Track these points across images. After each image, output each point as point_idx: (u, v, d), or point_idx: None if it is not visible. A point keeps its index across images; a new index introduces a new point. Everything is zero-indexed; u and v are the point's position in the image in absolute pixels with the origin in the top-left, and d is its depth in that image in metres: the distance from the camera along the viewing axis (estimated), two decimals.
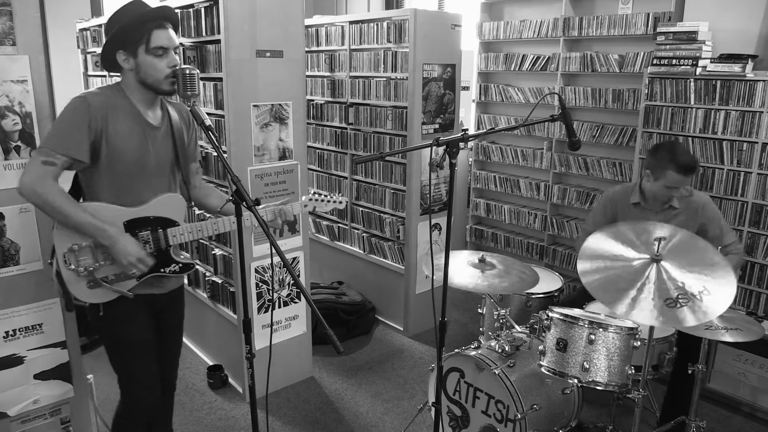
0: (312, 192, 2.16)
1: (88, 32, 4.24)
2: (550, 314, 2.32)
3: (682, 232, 2.12)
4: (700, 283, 1.93)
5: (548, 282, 3.01)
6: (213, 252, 3.15)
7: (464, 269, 2.54)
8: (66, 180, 1.85)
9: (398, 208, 3.81)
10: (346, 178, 4.17)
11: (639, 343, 2.20)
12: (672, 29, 3.31)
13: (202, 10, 2.80)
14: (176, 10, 1.92)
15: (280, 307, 3.14)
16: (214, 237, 3.13)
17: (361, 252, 4.17)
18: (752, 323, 2.31)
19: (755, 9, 3.21)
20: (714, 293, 1.90)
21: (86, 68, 4.50)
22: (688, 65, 3.25)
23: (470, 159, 4.98)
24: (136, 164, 1.86)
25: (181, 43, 1.95)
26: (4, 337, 2.09)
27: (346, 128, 4.08)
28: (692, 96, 3.26)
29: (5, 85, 1.96)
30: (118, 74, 1.90)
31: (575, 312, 2.38)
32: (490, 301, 2.87)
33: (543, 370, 2.33)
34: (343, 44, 4.01)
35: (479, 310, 2.97)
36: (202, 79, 2.88)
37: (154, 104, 1.94)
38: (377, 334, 3.94)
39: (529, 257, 4.61)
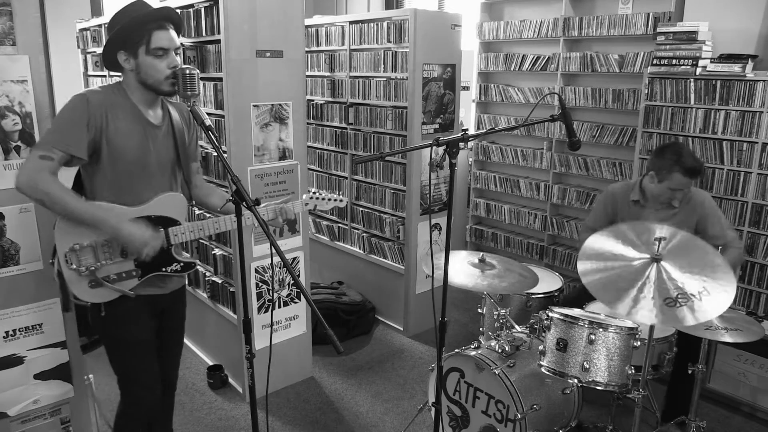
0: (312, 191, 2.16)
1: (88, 32, 4.24)
2: (550, 314, 2.32)
3: (682, 233, 2.12)
4: (699, 284, 1.93)
5: (548, 282, 3.01)
6: (213, 252, 3.15)
7: (464, 269, 2.54)
8: (67, 180, 1.85)
9: (398, 208, 3.81)
10: (346, 178, 4.17)
11: (639, 343, 2.20)
12: (672, 29, 3.31)
13: (202, 10, 2.80)
14: (176, 10, 1.92)
15: (280, 307, 3.14)
16: (214, 236, 3.13)
17: (361, 252, 4.17)
18: (752, 323, 2.31)
19: (755, 9, 3.21)
20: (714, 293, 1.90)
21: (86, 68, 4.50)
22: (688, 65, 3.25)
23: (470, 159, 4.98)
24: (137, 163, 1.87)
25: (181, 43, 1.94)
26: (4, 337, 2.09)
27: (346, 128, 4.08)
28: (692, 96, 3.26)
29: (5, 85, 1.96)
30: (119, 74, 1.90)
31: (575, 312, 2.39)
32: (490, 301, 2.87)
33: (543, 370, 2.33)
34: (343, 44, 4.01)
35: (479, 310, 2.97)
36: (202, 79, 2.88)
37: (155, 104, 1.94)
38: (377, 334, 3.94)
39: (529, 257, 4.61)
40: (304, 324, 3.26)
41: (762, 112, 3.02)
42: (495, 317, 2.75)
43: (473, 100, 4.92)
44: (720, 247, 2.40)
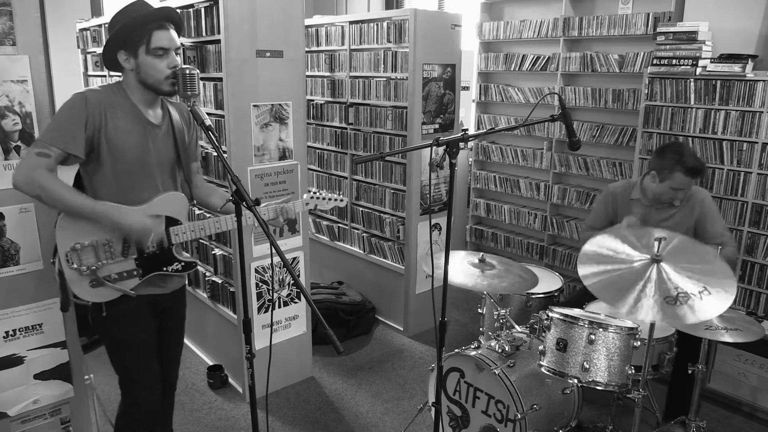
0: (312, 191, 2.16)
1: (88, 32, 4.24)
2: (550, 314, 2.32)
3: (680, 237, 2.13)
4: (700, 283, 1.94)
5: (548, 282, 3.01)
6: (213, 252, 3.15)
7: (464, 269, 2.54)
8: (67, 181, 1.85)
9: (398, 208, 3.81)
10: (346, 178, 4.17)
11: (639, 343, 2.20)
12: (672, 29, 3.31)
13: (202, 10, 2.80)
14: (177, 10, 1.92)
15: (280, 307, 3.14)
16: (214, 236, 3.13)
17: (361, 252, 4.17)
18: (752, 323, 2.31)
19: (755, 9, 3.21)
20: (714, 293, 1.90)
21: (86, 68, 4.50)
22: (688, 65, 3.25)
23: (470, 159, 4.98)
24: (137, 162, 1.87)
25: (181, 43, 1.94)
26: (4, 337, 2.09)
27: (346, 128, 4.08)
28: (692, 96, 3.26)
29: (5, 85, 1.96)
30: (119, 74, 1.91)
31: (575, 312, 2.38)
32: (490, 301, 2.87)
33: (543, 370, 2.33)
34: (343, 44, 4.01)
35: (479, 310, 2.97)
36: (202, 79, 2.88)
37: (155, 103, 1.94)
38: (377, 334, 3.94)
39: (529, 257, 4.60)
40: (304, 324, 3.26)
41: (762, 112, 3.02)
42: (495, 317, 2.75)
43: (473, 100, 4.92)
44: (720, 248, 2.41)
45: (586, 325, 2.22)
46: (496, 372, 2.34)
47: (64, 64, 4.61)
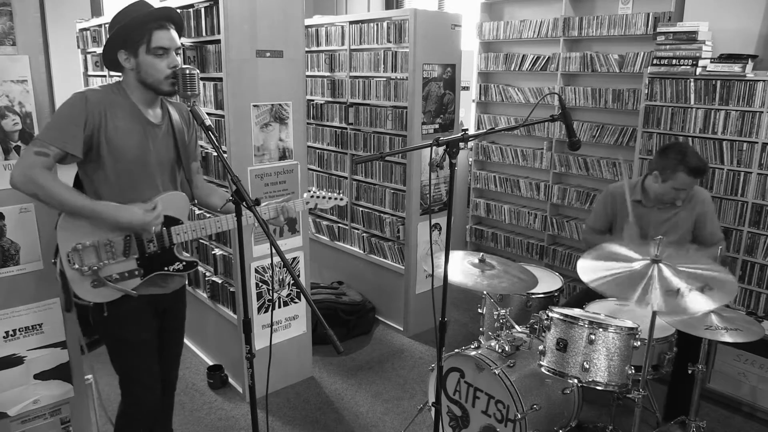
0: (312, 190, 2.16)
1: (88, 32, 4.23)
2: (550, 314, 2.32)
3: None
4: (701, 279, 1.96)
5: (548, 282, 3.01)
6: (213, 252, 3.15)
7: (464, 269, 2.54)
8: (67, 181, 1.85)
9: (398, 208, 3.81)
10: (346, 178, 4.17)
11: (639, 343, 2.20)
12: (672, 29, 3.32)
13: (202, 10, 2.80)
14: (177, 10, 1.92)
15: (280, 307, 3.14)
16: (214, 236, 3.13)
17: (361, 252, 4.17)
18: (752, 323, 2.31)
19: (755, 9, 3.22)
20: (716, 287, 1.93)
21: (86, 68, 4.50)
22: (688, 65, 3.25)
23: (470, 159, 4.98)
24: (137, 162, 1.87)
25: (181, 43, 1.94)
26: (4, 337, 2.09)
27: (346, 128, 4.08)
28: (692, 96, 3.26)
29: (5, 85, 1.96)
30: (119, 74, 1.91)
31: (575, 312, 2.39)
32: (490, 301, 2.87)
33: (543, 370, 2.33)
34: (343, 44, 4.01)
35: (479, 310, 2.97)
36: (202, 79, 2.88)
37: (155, 103, 1.94)
38: (377, 334, 3.94)
39: (529, 257, 4.61)
40: (304, 324, 3.26)
41: (762, 112, 3.02)
42: (495, 317, 2.75)
43: (473, 100, 4.92)
44: (720, 248, 2.42)
45: (586, 325, 2.22)
46: (496, 372, 2.34)
47: (64, 64, 4.61)
